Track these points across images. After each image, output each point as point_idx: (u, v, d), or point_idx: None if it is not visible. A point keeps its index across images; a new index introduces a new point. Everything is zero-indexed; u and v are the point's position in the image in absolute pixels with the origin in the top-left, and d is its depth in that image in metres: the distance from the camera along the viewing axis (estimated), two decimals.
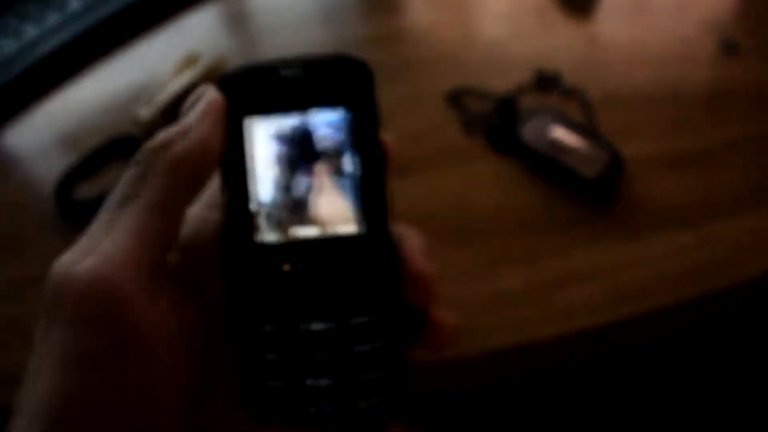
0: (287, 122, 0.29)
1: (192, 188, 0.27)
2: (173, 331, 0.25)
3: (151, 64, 0.78)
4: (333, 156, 0.30)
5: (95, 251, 0.24)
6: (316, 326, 0.27)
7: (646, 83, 0.71)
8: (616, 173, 0.61)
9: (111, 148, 0.68)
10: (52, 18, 0.78)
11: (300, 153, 0.29)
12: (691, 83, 0.71)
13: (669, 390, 0.86)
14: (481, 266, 0.56)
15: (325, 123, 0.29)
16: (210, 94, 0.28)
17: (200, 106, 0.27)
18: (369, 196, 0.29)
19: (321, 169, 0.29)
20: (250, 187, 0.29)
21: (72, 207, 0.64)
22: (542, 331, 0.52)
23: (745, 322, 0.80)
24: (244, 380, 0.27)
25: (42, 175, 0.68)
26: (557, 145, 0.64)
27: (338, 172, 0.29)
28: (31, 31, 0.77)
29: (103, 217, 0.25)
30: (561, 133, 0.65)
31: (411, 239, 0.30)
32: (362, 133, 0.29)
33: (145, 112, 0.68)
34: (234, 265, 0.28)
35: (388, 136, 0.29)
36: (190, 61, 0.73)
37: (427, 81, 0.73)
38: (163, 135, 0.26)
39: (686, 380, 0.86)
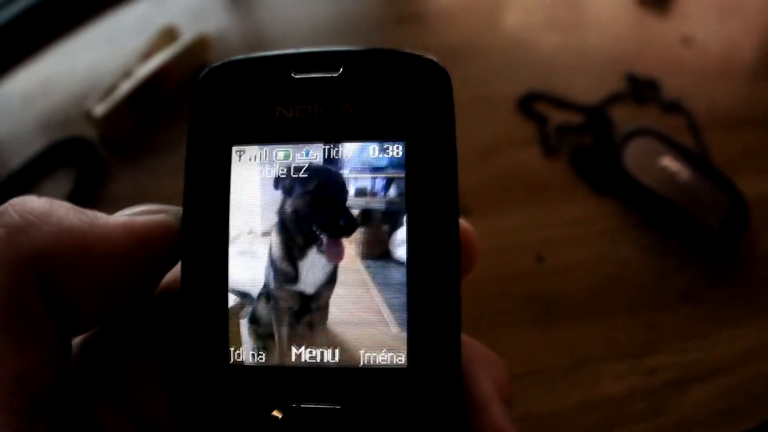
0: (302, 161, 0.22)
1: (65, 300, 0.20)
2: None
3: (123, 40, 0.70)
4: (375, 227, 0.22)
5: None
6: None
7: (753, 101, 0.64)
8: (741, 222, 0.53)
9: (55, 154, 0.60)
10: None
11: (319, 216, 0.22)
12: None
13: None
14: (569, 360, 0.47)
15: (368, 167, 0.22)
16: (157, 216, 0.22)
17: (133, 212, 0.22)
18: (430, 305, 0.21)
19: (352, 247, 0.22)
20: (231, 268, 0.22)
21: None
22: None
23: None
24: None
25: None
26: (669, 182, 0.54)
27: (382, 255, 0.22)
28: None
29: None
30: (672, 165, 0.55)
31: (485, 373, 0.22)
32: (430, 192, 0.21)
33: (101, 108, 0.58)
34: (194, 402, 0.21)
35: (464, 222, 0.22)
36: (167, 37, 0.64)
37: (481, 79, 0.65)
38: (41, 203, 0.20)
39: None
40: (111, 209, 0.22)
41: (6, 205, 0.20)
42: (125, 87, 0.60)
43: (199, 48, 0.64)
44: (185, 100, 0.67)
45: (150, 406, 0.21)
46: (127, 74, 0.61)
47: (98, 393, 0.21)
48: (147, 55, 0.63)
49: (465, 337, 0.23)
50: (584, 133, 0.60)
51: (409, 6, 0.75)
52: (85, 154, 0.59)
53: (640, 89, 0.63)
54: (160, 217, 0.22)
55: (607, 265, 0.52)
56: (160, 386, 0.22)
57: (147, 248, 0.21)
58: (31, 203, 0.20)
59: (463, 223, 0.22)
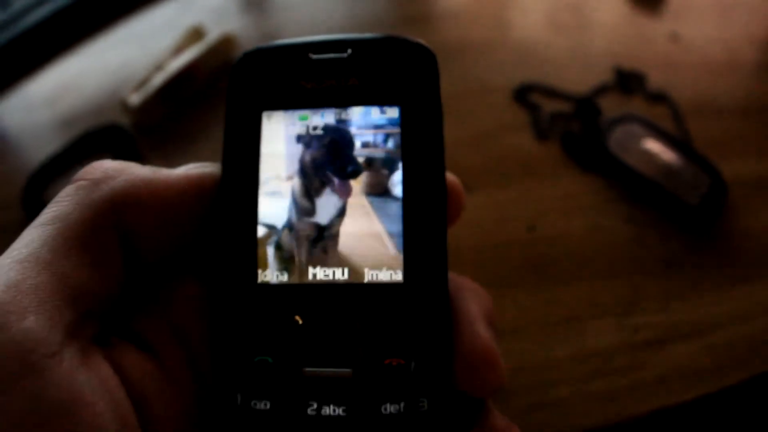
0: (318, 121, 0.26)
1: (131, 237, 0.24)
2: (117, 402, 0.21)
3: (151, 39, 0.74)
4: (377, 171, 0.26)
5: None
6: (330, 411, 0.23)
7: (736, 92, 0.67)
8: (719, 200, 0.56)
9: (91, 140, 0.63)
10: None
11: (332, 163, 0.26)
12: None
13: None
14: (558, 318, 0.50)
15: (370, 126, 0.26)
16: (207, 168, 0.26)
17: (188, 167, 0.26)
18: (421, 232, 0.24)
19: (358, 187, 0.26)
20: (261, 205, 0.25)
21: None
22: (635, 407, 0.45)
23: None
24: None
25: (12, 170, 0.63)
26: (651, 162, 0.57)
27: (382, 193, 0.25)
28: (19, 0, 0.74)
29: (19, 244, 0.22)
30: (654, 147, 0.58)
31: (471, 298, 0.26)
32: (420, 143, 0.25)
33: (136, 98, 0.62)
34: (226, 315, 0.24)
35: (450, 175, 0.25)
36: (194, 36, 0.68)
37: (482, 72, 0.68)
38: (115, 163, 0.24)
39: None
40: None
41: (88, 166, 0.24)
42: (158, 79, 0.63)
43: (224, 46, 0.67)
44: (212, 93, 0.71)
45: (186, 324, 0.24)
46: (159, 68, 0.64)
47: (144, 310, 0.24)
48: (177, 51, 0.66)
49: (455, 274, 0.26)
50: (574, 121, 0.62)
51: (417, 7, 0.78)
52: (121, 140, 0.62)
53: (627, 81, 0.66)
54: (209, 168, 0.26)
55: (593, 234, 0.54)
56: (197, 306, 0.25)
57: (200, 191, 0.25)
58: (108, 163, 0.24)
59: (449, 174, 0.26)
